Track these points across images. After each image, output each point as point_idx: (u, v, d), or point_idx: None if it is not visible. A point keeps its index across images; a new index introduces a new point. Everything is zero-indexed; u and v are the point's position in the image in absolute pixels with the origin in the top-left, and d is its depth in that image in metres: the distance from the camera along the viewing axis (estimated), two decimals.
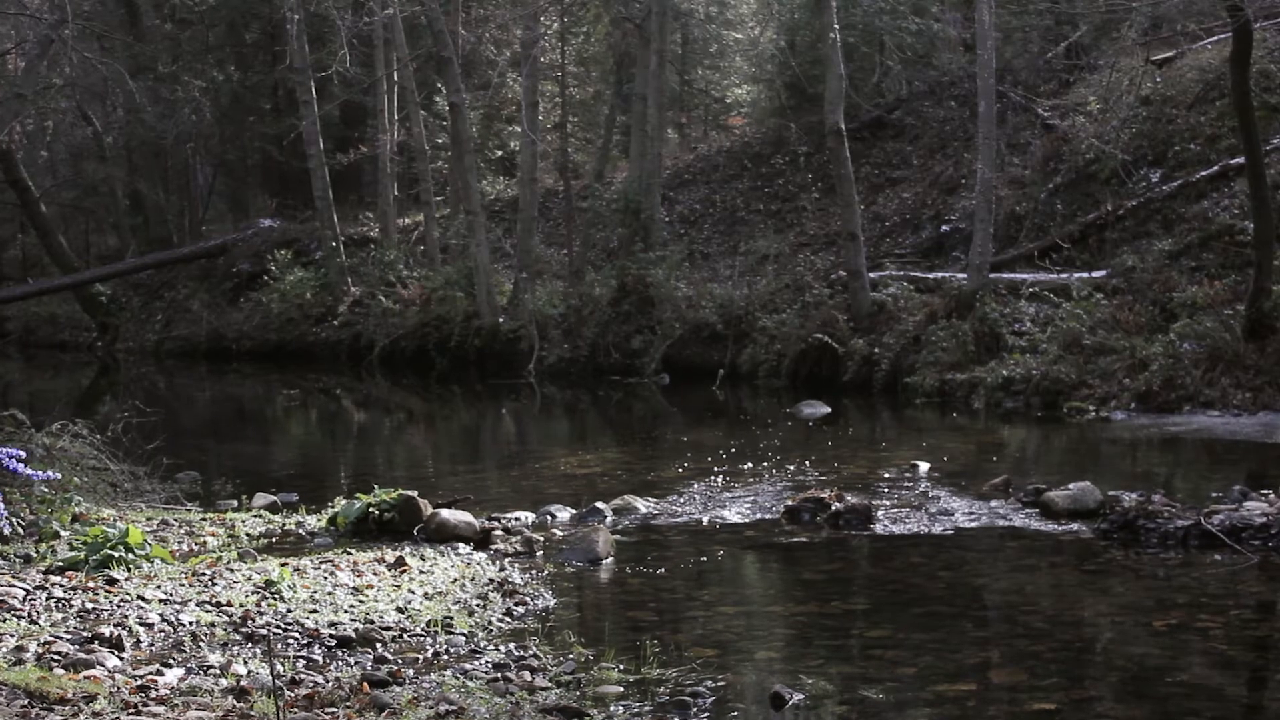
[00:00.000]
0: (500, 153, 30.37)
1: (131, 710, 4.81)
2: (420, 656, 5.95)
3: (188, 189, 33.12)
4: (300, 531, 8.97)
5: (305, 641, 6.00)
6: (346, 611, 6.52)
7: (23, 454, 6.27)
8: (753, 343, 19.23)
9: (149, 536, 7.78)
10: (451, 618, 6.58)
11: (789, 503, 9.50)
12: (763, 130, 27.94)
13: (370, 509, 8.77)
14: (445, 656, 5.99)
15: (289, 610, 6.43)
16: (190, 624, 6.05)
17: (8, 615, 6.06)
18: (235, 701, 5.00)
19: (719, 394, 18.53)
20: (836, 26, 19.13)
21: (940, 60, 25.35)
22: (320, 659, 5.79)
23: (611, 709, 5.37)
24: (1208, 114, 19.66)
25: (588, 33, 29.62)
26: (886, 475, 11.03)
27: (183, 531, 8.73)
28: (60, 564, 7.16)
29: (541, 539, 8.60)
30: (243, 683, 5.24)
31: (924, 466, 11.27)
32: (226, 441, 16.05)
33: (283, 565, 7.22)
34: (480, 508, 9.49)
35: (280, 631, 6.07)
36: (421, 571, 7.48)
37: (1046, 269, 18.21)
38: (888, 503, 9.69)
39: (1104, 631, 6.70)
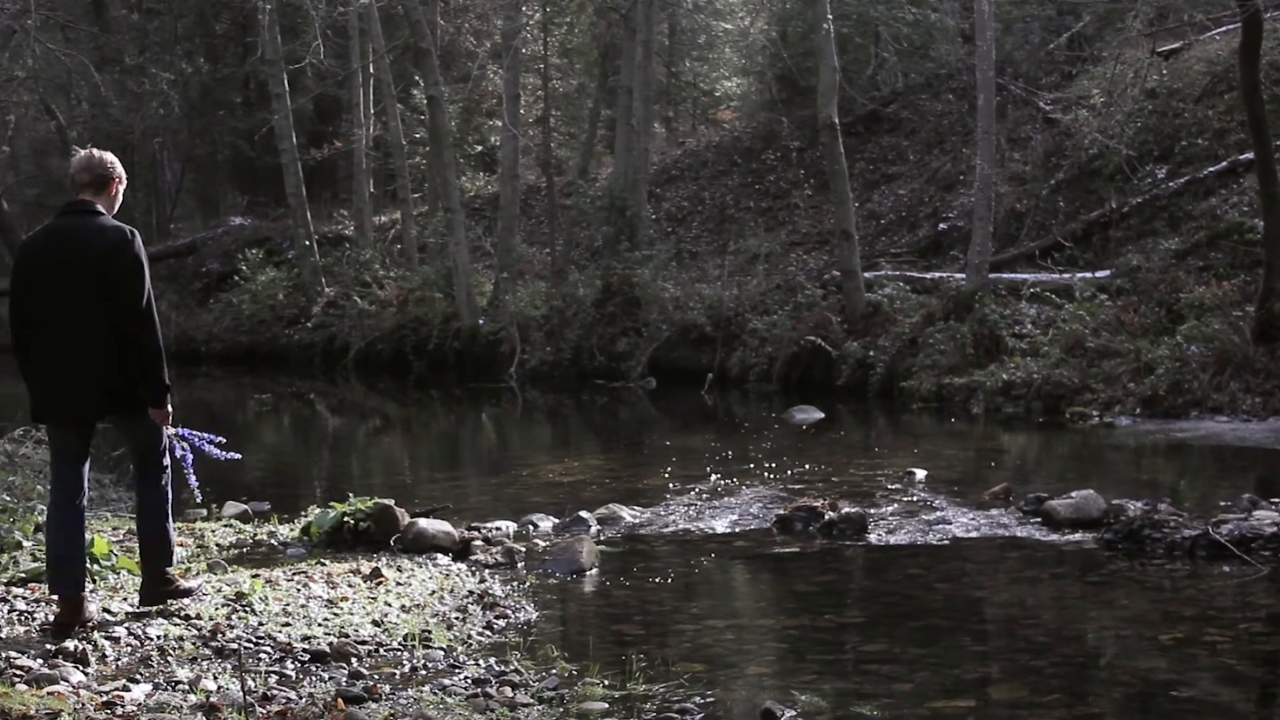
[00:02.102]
0: (480, 148, 30.21)
1: None
2: (397, 671, 5.82)
3: (155, 185, 32.90)
4: (272, 542, 8.79)
5: (277, 656, 5.87)
6: (320, 625, 6.38)
7: (222, 439, 6.17)
8: (743, 345, 19.08)
9: (115, 547, 7.61)
10: (430, 631, 6.44)
11: (780, 512, 9.32)
12: (753, 124, 27.79)
13: (345, 518, 8.58)
14: (423, 671, 5.85)
15: (260, 623, 6.29)
16: (158, 638, 5.90)
17: None
18: (205, 718, 4.94)
19: (707, 398, 18.41)
20: (830, 16, 19.04)
21: (938, 52, 25.26)
22: (293, 674, 5.66)
23: None
24: (1216, 108, 19.55)
25: (571, 23, 29.51)
26: (882, 483, 10.85)
27: None
28: (23, 575, 6.96)
29: (523, 549, 8.43)
30: (212, 699, 5.15)
31: (921, 474, 11.12)
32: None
33: (254, 577, 7.06)
34: (459, 517, 9.32)
35: (251, 646, 5.94)
36: (398, 583, 7.33)
37: (1048, 269, 18.05)
38: (883, 512, 9.53)
39: (1108, 645, 6.58)
